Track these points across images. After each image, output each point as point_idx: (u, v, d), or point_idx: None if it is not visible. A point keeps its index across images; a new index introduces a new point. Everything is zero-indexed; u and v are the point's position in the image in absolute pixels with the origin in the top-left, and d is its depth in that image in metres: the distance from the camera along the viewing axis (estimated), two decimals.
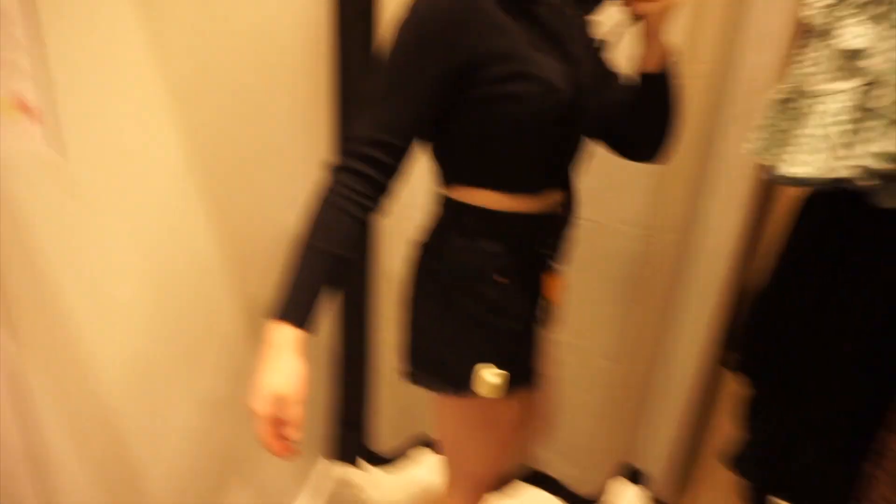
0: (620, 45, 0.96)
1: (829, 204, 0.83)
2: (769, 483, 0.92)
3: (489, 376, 0.94)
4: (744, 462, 0.98)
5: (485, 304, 0.95)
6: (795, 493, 0.83)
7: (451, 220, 0.97)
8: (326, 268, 0.82)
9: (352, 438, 1.81)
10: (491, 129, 0.88)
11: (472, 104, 0.86)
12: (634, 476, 1.79)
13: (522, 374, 1.01)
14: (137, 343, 0.93)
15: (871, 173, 0.62)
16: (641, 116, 1.00)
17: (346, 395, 1.78)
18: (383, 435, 1.79)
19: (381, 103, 0.85)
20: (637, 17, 0.90)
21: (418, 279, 1.00)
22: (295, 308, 0.80)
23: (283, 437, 0.81)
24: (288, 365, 0.79)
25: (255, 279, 1.22)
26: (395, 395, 1.73)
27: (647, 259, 1.43)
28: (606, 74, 1.03)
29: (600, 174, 1.36)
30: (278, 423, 0.79)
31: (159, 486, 1.03)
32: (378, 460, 1.83)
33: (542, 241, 0.99)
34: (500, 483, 1.39)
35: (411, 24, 0.83)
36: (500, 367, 0.95)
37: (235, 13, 1.05)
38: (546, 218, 0.97)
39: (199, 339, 1.09)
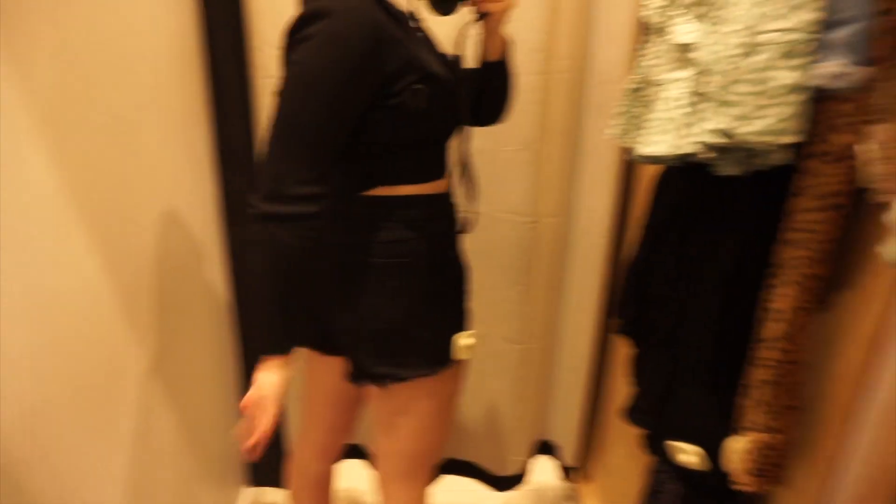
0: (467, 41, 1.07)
1: (680, 177, 0.96)
2: (659, 428, 1.04)
3: (466, 340, 1.08)
4: (635, 413, 1.10)
5: (447, 279, 1.08)
6: (682, 432, 0.95)
7: (384, 216, 1.01)
8: (300, 301, 0.97)
9: (271, 459, 1.78)
10: (407, 130, 0.96)
11: (386, 111, 0.92)
12: (550, 450, 1.91)
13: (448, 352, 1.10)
14: (36, 388, 0.88)
15: (708, 147, 0.73)
16: (489, 96, 1.16)
17: None
18: None
19: (306, 132, 0.87)
20: (482, 15, 1.06)
21: (379, 286, 1.02)
22: (287, 341, 0.96)
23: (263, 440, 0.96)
24: (278, 375, 0.95)
25: (145, 304, 1.19)
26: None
27: (534, 243, 1.54)
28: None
29: (485, 169, 1.46)
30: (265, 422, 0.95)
31: None
32: None
33: (454, 216, 1.11)
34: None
35: (326, 49, 0.84)
36: (443, 341, 1.07)
37: (98, 30, 1.02)
38: (447, 201, 1.10)
39: (99, 372, 1.05)
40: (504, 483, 1.83)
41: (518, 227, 1.50)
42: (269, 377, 0.94)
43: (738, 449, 0.87)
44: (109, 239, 1.05)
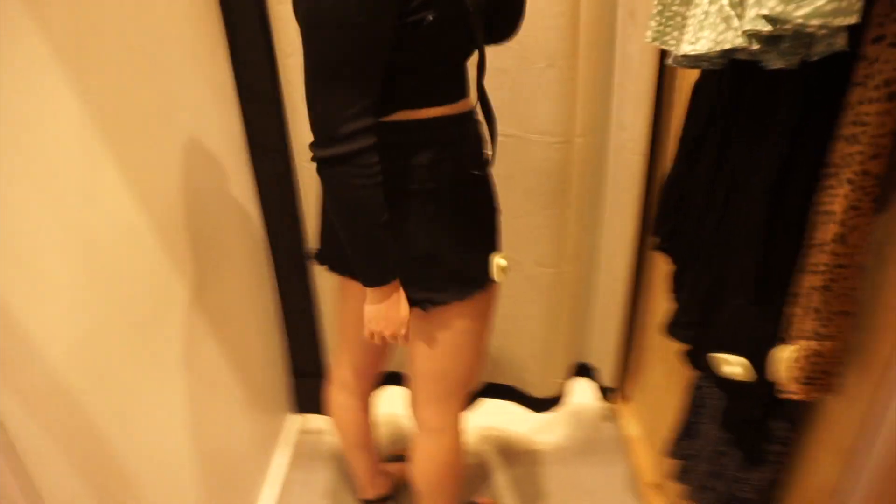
0: None
1: (719, 81, 0.90)
2: (701, 341, 1.03)
3: (501, 261, 1.09)
4: (676, 327, 1.08)
5: (478, 200, 1.09)
6: (724, 343, 0.93)
7: (413, 141, 1.00)
8: (389, 231, 0.97)
9: (313, 388, 1.84)
10: (425, 48, 0.93)
11: (404, 31, 0.88)
12: (588, 372, 1.92)
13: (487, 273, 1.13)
14: (84, 320, 0.90)
15: (756, 38, 0.68)
16: (501, 8, 1.08)
17: (301, 346, 1.79)
18: None
19: (345, 67, 0.86)
20: None
21: (412, 212, 1.02)
22: (394, 268, 1.01)
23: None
24: (404, 297, 1.05)
25: (181, 236, 1.20)
26: None
27: (565, 165, 1.49)
28: None
29: (511, 89, 1.40)
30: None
31: (134, 460, 1.02)
32: None
33: (480, 135, 1.09)
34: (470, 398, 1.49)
35: None
36: (489, 258, 1.10)
37: None
38: (474, 117, 1.08)
39: (144, 305, 1.07)
40: (543, 405, 1.86)
41: (548, 149, 1.45)
42: (402, 304, 1.04)
43: (786, 357, 0.85)
44: (140, 173, 1.05)
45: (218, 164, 1.38)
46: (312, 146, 0.91)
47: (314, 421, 1.95)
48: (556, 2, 1.30)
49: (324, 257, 1.21)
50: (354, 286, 1.20)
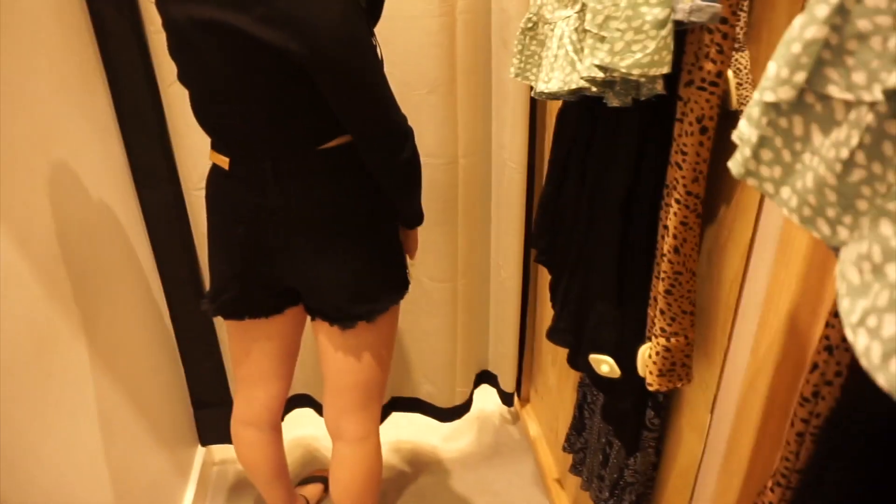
0: None
1: (577, 111, 1.02)
2: (577, 344, 1.14)
3: (411, 267, 1.27)
4: (555, 332, 1.19)
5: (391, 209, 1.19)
6: (597, 345, 1.04)
7: (349, 166, 1.09)
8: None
9: (217, 418, 1.82)
10: None
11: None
12: (489, 379, 2.02)
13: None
14: None
15: (592, 81, 0.78)
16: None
17: (202, 375, 1.77)
18: None
19: (383, 79, 1.02)
20: None
21: (357, 227, 1.13)
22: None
23: None
24: None
25: (63, 272, 1.17)
26: None
27: (451, 184, 1.58)
28: None
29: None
30: None
31: None
32: None
33: None
34: None
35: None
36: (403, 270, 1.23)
37: None
38: None
39: (26, 345, 1.03)
40: (449, 414, 1.93)
41: (435, 170, 1.53)
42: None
43: (647, 355, 0.97)
44: (13, 208, 1.02)
45: (100, 196, 1.35)
46: (403, 146, 1.07)
47: (221, 451, 1.92)
48: (433, 33, 1.39)
49: (220, 300, 1.21)
50: (259, 323, 1.23)
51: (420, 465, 1.90)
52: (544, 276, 1.68)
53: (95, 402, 1.24)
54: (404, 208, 1.19)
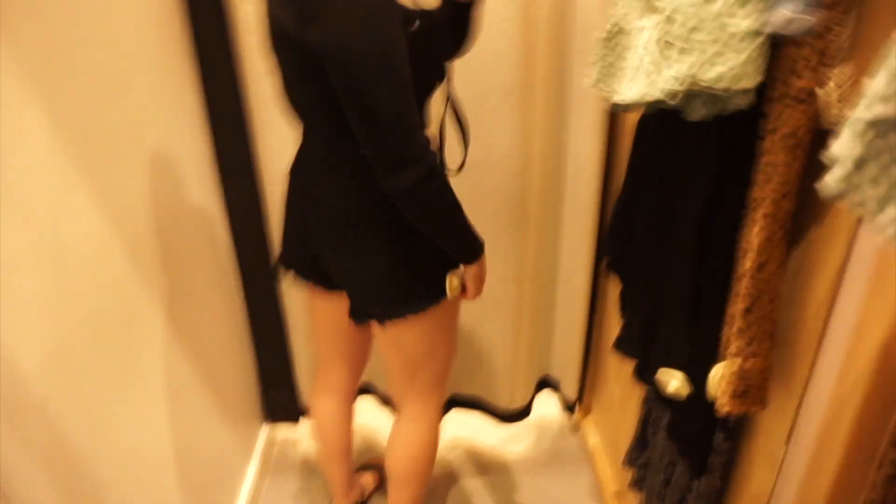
0: None
1: (655, 122, 0.99)
2: (645, 357, 1.10)
3: (455, 279, 1.18)
4: (623, 343, 1.16)
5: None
6: (664, 359, 1.01)
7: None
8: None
9: (286, 399, 1.89)
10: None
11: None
12: (552, 385, 1.99)
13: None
14: (55, 334, 0.94)
15: (673, 94, 0.75)
16: (455, 35, 1.15)
17: (270, 358, 1.84)
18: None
19: (408, 91, 0.93)
20: None
21: (376, 229, 1.10)
22: (481, 244, 1.15)
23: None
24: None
25: (149, 251, 1.24)
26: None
27: (525, 189, 1.57)
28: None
29: (473, 120, 1.47)
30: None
31: (107, 471, 1.06)
32: None
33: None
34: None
35: (373, 16, 0.88)
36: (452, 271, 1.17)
37: None
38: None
39: (114, 319, 1.10)
40: (508, 417, 1.92)
41: (509, 175, 1.52)
42: (483, 270, 1.19)
43: (720, 375, 0.93)
44: (109, 190, 1.09)
45: (186, 182, 1.43)
46: (401, 177, 0.96)
47: (284, 431, 1.99)
48: (514, 37, 1.38)
49: (288, 263, 1.27)
50: (325, 294, 1.28)
51: (476, 465, 1.90)
52: (613, 287, 1.64)
53: (169, 375, 1.31)
54: (438, 242, 1.10)
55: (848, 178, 0.41)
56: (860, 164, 0.40)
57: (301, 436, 1.99)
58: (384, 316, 1.16)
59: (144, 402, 1.20)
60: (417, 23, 0.95)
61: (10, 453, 0.83)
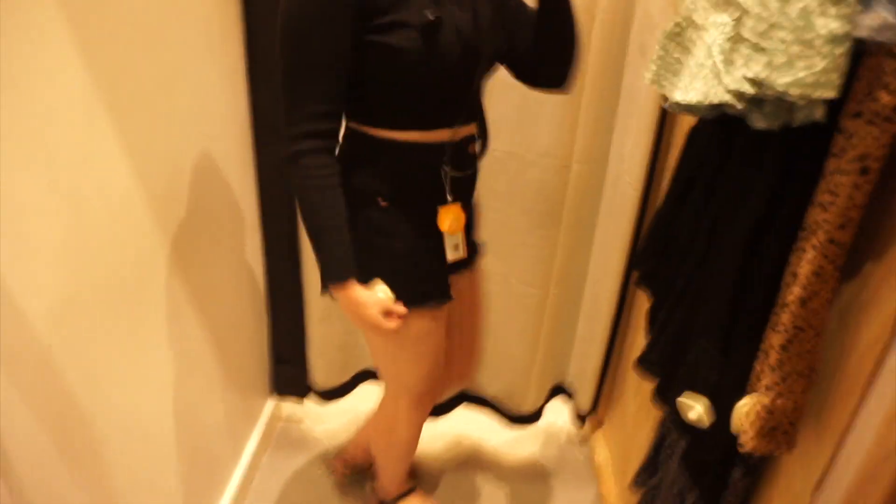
0: None
1: (713, 129, 0.92)
2: (667, 378, 1.04)
3: (379, 292, 1.06)
4: (646, 362, 1.09)
5: (372, 226, 1.07)
6: (690, 384, 0.94)
7: (350, 151, 1.05)
8: (344, 233, 1.01)
9: (295, 375, 1.86)
10: (377, 73, 0.96)
11: (362, 49, 0.93)
12: (566, 393, 1.93)
13: (420, 292, 1.12)
14: (67, 280, 0.92)
15: (740, 96, 0.69)
16: (543, 43, 1.07)
17: (284, 333, 1.81)
18: (327, 371, 1.85)
19: (308, 74, 0.93)
20: None
21: (364, 222, 1.08)
22: (346, 270, 1.02)
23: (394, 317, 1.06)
24: (370, 298, 1.04)
25: (173, 210, 1.22)
26: (331, 332, 1.77)
27: (562, 188, 1.50)
28: (511, 10, 1.07)
29: (517, 108, 1.41)
30: (393, 318, 1.06)
31: (105, 425, 1.04)
32: (324, 395, 1.89)
33: (433, 171, 1.05)
34: (438, 401, 1.52)
35: None
36: (390, 284, 1.07)
37: None
38: (438, 150, 1.04)
39: (129, 272, 1.08)
40: (518, 420, 1.87)
41: (547, 171, 1.46)
42: (364, 300, 1.03)
43: (747, 411, 0.86)
44: (138, 141, 1.07)
45: (219, 144, 1.40)
46: (286, 156, 0.99)
47: (290, 408, 1.97)
48: None
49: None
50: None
51: (478, 465, 1.86)
52: (641, 301, 1.57)
53: (179, 338, 1.29)
54: None
55: None
56: None
57: (306, 413, 1.97)
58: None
59: (150, 362, 1.18)
60: (430, 17, 0.92)
61: (9, 398, 0.82)
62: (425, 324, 1.16)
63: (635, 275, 1.30)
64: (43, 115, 0.84)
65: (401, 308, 1.06)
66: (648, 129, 1.38)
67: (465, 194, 1.13)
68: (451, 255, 1.11)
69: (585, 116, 1.43)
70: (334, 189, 0.99)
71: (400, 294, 1.08)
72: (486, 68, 1.06)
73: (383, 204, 1.06)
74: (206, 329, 1.41)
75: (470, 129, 1.08)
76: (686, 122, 1.30)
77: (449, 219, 1.07)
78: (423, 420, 1.42)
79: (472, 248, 1.24)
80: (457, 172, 1.07)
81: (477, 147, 1.09)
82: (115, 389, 1.06)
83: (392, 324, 1.06)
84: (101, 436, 1.03)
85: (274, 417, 1.91)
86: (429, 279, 1.14)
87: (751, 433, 0.86)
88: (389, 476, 1.53)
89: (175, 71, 1.19)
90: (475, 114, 1.09)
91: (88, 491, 1.01)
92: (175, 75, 1.19)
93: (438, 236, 1.11)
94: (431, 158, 1.04)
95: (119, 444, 1.08)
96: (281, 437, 1.90)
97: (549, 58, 1.09)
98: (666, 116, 1.41)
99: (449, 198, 1.07)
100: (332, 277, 1.04)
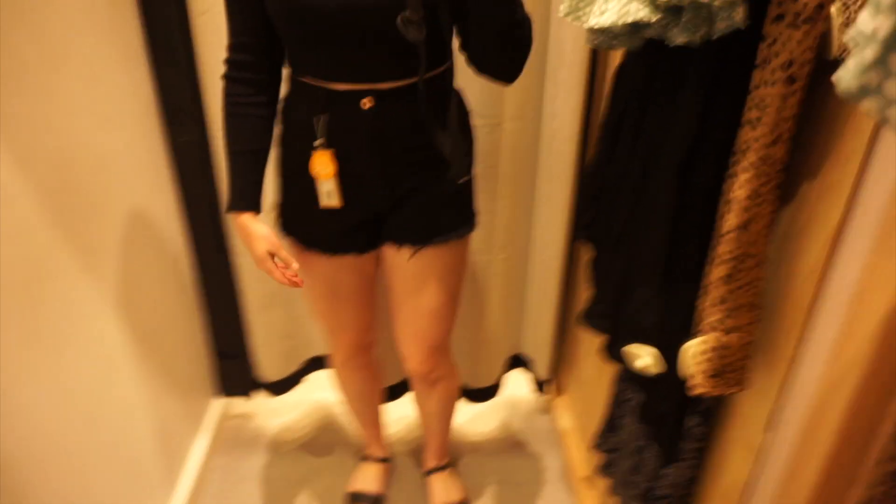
0: None
1: (634, 63, 0.87)
2: (615, 331, 1.00)
3: (269, 209, 1.17)
4: (590, 316, 1.05)
5: (279, 161, 1.15)
6: (637, 334, 0.90)
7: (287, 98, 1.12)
8: (248, 162, 1.09)
9: (237, 370, 1.77)
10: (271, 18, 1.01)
11: None
12: (523, 363, 1.89)
13: (291, 230, 1.19)
14: None
15: (657, 8, 0.63)
16: (476, 28, 0.99)
17: (223, 325, 1.72)
18: (273, 362, 1.76)
19: (227, 10, 1.02)
20: None
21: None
22: (241, 199, 1.09)
23: (288, 274, 1.10)
24: (259, 232, 1.08)
25: (73, 201, 1.12)
26: (274, 320, 1.68)
27: (496, 148, 1.44)
28: None
29: None
30: (279, 267, 1.10)
31: (13, 447, 0.94)
32: (273, 388, 1.80)
33: (313, 115, 1.06)
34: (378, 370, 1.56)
35: None
36: (284, 211, 1.18)
37: None
38: (322, 95, 1.04)
39: (19, 271, 0.97)
40: (478, 395, 1.82)
41: (479, 131, 1.39)
42: (254, 236, 1.09)
43: (695, 352, 0.82)
44: (21, 133, 0.97)
45: (122, 127, 1.29)
46: None
47: (241, 405, 1.88)
48: None
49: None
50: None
51: None
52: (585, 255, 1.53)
53: (97, 339, 1.19)
54: None
55: (868, 70, 0.29)
56: (889, 48, 0.28)
57: (257, 411, 1.88)
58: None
59: (59, 369, 1.07)
60: None
61: None
62: (307, 263, 1.21)
63: (576, 229, 1.25)
64: None
65: (288, 257, 1.09)
66: (579, 82, 1.33)
67: (351, 147, 1.07)
68: (325, 201, 1.10)
69: None
70: (243, 118, 1.07)
71: (279, 224, 1.19)
72: (373, 26, 0.96)
73: (283, 145, 1.14)
74: (128, 328, 1.30)
75: (363, 85, 1.02)
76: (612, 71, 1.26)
77: (317, 164, 1.07)
78: (352, 374, 1.47)
79: (404, 230, 1.17)
80: (332, 121, 1.05)
81: (366, 103, 1.02)
82: (17, 405, 0.96)
83: (271, 266, 1.09)
84: (5, 459, 0.93)
85: (224, 416, 1.82)
86: (301, 221, 1.18)
87: (700, 375, 0.82)
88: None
89: (57, 51, 1.08)
90: (373, 72, 1.01)
91: None
92: (57, 56, 1.08)
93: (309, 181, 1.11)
94: (310, 101, 1.06)
95: (34, 469, 0.98)
96: (231, 436, 1.80)
97: (483, 47, 1.02)
98: (596, 69, 1.36)
99: (316, 143, 1.06)
100: (227, 204, 1.11)
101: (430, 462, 1.66)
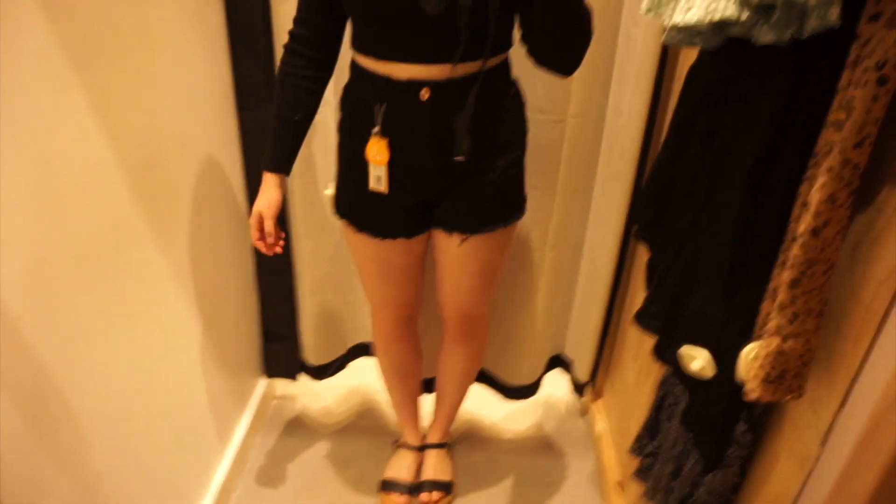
0: None
1: (713, 61, 0.86)
2: (668, 333, 0.99)
3: (328, 189, 1.30)
4: (645, 316, 1.04)
5: (339, 147, 1.23)
6: (692, 336, 0.90)
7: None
8: (288, 129, 1.19)
9: (284, 352, 1.81)
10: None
11: None
12: (563, 364, 1.88)
13: (345, 212, 1.26)
14: (36, 245, 0.86)
15: (747, 5, 0.63)
16: (539, 21, 1.01)
17: (274, 308, 1.76)
18: (319, 347, 1.80)
19: None
20: None
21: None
22: (273, 161, 1.21)
23: (266, 243, 1.22)
24: (268, 194, 1.20)
25: (153, 176, 1.16)
26: (324, 304, 1.72)
27: (557, 145, 1.45)
28: None
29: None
30: (263, 233, 1.21)
31: (81, 401, 0.99)
32: (316, 372, 1.84)
33: (373, 103, 1.10)
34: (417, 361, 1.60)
35: None
36: (340, 195, 1.26)
37: None
38: (382, 84, 1.07)
39: (104, 240, 1.03)
40: (514, 393, 1.82)
41: (541, 127, 1.40)
42: (263, 195, 1.20)
43: (755, 356, 0.82)
44: (110, 103, 1.01)
45: (200, 108, 1.34)
46: None
47: (282, 386, 1.92)
48: None
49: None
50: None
51: (474, 440, 1.81)
52: (641, 264, 1.52)
53: (163, 312, 1.24)
54: None
55: None
56: None
57: (300, 393, 1.92)
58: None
59: (131, 336, 1.13)
60: None
61: None
62: (359, 244, 1.29)
63: (635, 228, 1.24)
64: (5, 72, 0.78)
65: (271, 228, 1.19)
66: (647, 79, 1.32)
67: (406, 137, 1.10)
68: (373, 184, 1.16)
69: (582, 69, 1.37)
70: (292, 87, 1.15)
71: (335, 207, 1.28)
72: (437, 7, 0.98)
73: (343, 127, 1.20)
74: (192, 304, 1.35)
75: (419, 70, 1.04)
76: (685, 72, 1.25)
77: (372, 149, 1.12)
78: (393, 344, 1.50)
79: (455, 217, 1.21)
80: (390, 110, 1.09)
81: (424, 94, 1.05)
82: (93, 365, 1.01)
83: (253, 224, 1.20)
84: (77, 410, 0.98)
85: (267, 396, 1.87)
86: (355, 205, 1.24)
87: (757, 380, 0.81)
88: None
89: (150, 33, 1.13)
90: (429, 56, 1.03)
91: (69, 476, 0.96)
92: (150, 37, 1.13)
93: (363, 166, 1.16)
94: (372, 89, 1.09)
95: (96, 420, 1.03)
96: (275, 417, 1.85)
97: (546, 39, 1.04)
98: (665, 67, 1.35)
99: (374, 129, 1.10)
100: (263, 160, 1.20)
101: (434, 436, 1.68)
